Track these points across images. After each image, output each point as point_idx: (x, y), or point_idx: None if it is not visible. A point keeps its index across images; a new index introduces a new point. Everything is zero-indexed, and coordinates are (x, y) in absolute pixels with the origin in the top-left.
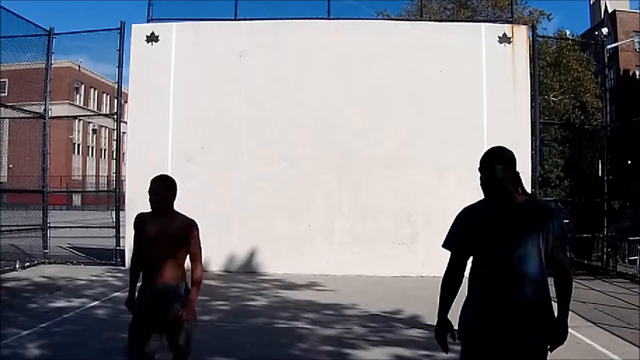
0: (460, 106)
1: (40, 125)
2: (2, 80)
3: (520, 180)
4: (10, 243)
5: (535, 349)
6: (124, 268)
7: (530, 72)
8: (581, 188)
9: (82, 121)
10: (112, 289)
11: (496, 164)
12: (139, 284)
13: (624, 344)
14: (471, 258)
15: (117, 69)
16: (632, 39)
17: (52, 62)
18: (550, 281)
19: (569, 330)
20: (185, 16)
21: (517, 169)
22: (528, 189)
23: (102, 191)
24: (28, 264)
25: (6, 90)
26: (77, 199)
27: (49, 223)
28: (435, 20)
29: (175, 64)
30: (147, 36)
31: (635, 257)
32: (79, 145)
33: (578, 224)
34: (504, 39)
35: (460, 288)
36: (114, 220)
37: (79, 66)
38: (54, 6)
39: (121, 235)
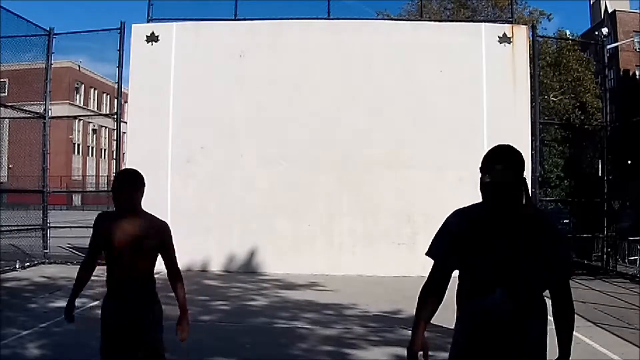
0: (460, 106)
1: (40, 125)
2: (2, 80)
3: (528, 187)
4: (10, 243)
5: None
6: None
7: (530, 72)
8: (581, 188)
9: (82, 121)
10: None
11: (510, 165)
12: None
13: (624, 344)
14: (457, 272)
15: (117, 69)
16: (632, 39)
17: (52, 62)
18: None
19: None
20: (185, 16)
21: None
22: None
23: (102, 191)
24: (28, 264)
25: (6, 90)
26: (77, 199)
27: (49, 223)
28: (435, 20)
29: (175, 64)
30: (147, 36)
31: (635, 257)
32: (79, 145)
33: (578, 224)
34: (504, 39)
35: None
36: None
37: (79, 66)
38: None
39: None
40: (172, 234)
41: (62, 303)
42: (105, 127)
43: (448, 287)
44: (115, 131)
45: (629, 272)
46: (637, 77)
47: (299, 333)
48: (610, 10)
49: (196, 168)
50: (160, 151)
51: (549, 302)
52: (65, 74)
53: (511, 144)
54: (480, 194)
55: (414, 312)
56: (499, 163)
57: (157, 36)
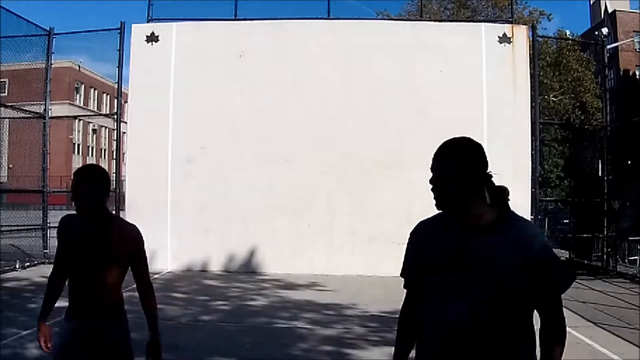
0: (460, 106)
1: (40, 125)
2: (2, 80)
3: (494, 186)
4: (10, 243)
5: None
6: None
7: (530, 72)
8: (581, 188)
9: (82, 121)
10: None
11: (448, 156)
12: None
13: (624, 344)
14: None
15: (117, 69)
16: (632, 39)
17: (52, 62)
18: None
19: (569, 330)
20: (185, 16)
21: (495, 170)
22: (527, 189)
23: None
24: (28, 264)
25: (6, 90)
26: None
27: (49, 223)
28: (435, 20)
29: (175, 64)
30: (147, 36)
31: (635, 257)
32: (79, 145)
33: (578, 224)
34: (504, 39)
35: None
36: None
37: (79, 66)
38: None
39: None
40: (144, 240)
41: (62, 303)
42: (105, 127)
43: None
44: (115, 131)
45: (629, 272)
46: (637, 77)
47: (299, 333)
48: (610, 10)
49: (196, 168)
50: (160, 151)
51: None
52: (65, 74)
53: (469, 137)
54: None
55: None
56: (436, 156)
57: (157, 36)
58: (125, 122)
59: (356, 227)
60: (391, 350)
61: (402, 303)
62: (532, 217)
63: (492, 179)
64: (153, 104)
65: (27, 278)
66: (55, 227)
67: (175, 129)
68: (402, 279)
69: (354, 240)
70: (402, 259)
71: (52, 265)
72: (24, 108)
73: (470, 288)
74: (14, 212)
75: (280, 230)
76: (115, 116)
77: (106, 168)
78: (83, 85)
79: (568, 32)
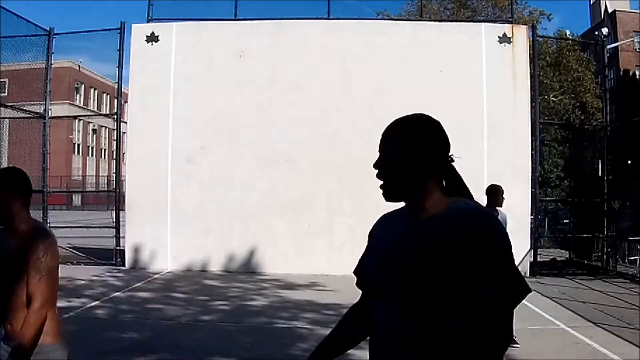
0: (460, 106)
1: (40, 125)
2: (2, 80)
3: (455, 173)
4: None
5: None
6: (124, 268)
7: (530, 72)
8: (581, 188)
9: (82, 121)
10: (112, 289)
11: (387, 139)
12: None
13: (624, 344)
14: None
15: (117, 69)
16: (632, 39)
17: (52, 62)
18: None
19: (569, 330)
20: (185, 16)
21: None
22: (528, 189)
23: (102, 191)
24: None
25: (6, 90)
26: (77, 199)
27: (49, 223)
28: (435, 20)
29: (175, 64)
30: (147, 36)
31: (635, 257)
32: (79, 145)
33: (578, 224)
34: (504, 39)
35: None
36: (114, 220)
37: (79, 66)
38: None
39: (121, 235)
40: (45, 249)
41: (62, 303)
42: (105, 127)
43: None
44: (115, 131)
45: (629, 272)
46: (637, 77)
47: (299, 333)
48: (610, 10)
49: (196, 168)
50: (160, 151)
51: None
52: (65, 74)
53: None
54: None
55: None
56: (387, 136)
57: (157, 36)
58: (125, 122)
59: (356, 227)
60: None
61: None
62: (532, 217)
63: (454, 163)
64: (153, 104)
65: None
66: (55, 227)
67: (175, 129)
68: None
69: (354, 240)
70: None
71: None
72: (24, 108)
73: (410, 291)
74: None
75: (280, 230)
76: (115, 116)
77: (106, 168)
78: (83, 85)
79: (568, 32)
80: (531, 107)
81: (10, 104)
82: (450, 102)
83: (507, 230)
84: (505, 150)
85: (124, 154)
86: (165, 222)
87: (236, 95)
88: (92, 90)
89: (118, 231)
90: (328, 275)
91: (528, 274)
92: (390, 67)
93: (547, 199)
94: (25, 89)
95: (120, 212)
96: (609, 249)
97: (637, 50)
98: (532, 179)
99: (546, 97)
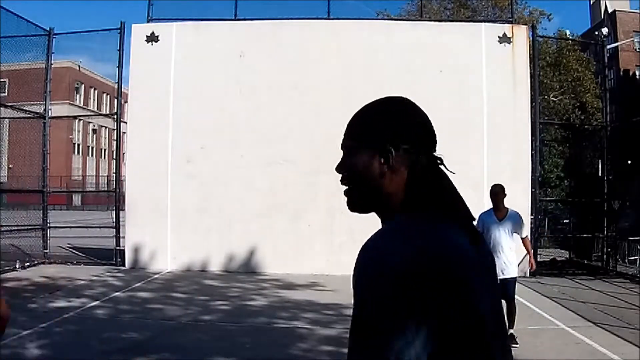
0: (460, 106)
1: (40, 125)
2: (2, 80)
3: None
4: (10, 243)
5: None
6: (124, 268)
7: (530, 72)
8: (581, 188)
9: (82, 121)
10: (112, 289)
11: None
12: None
13: (624, 344)
14: None
15: (117, 69)
16: (632, 39)
17: (52, 62)
18: None
19: (569, 330)
20: (185, 16)
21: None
22: (527, 189)
23: (102, 191)
24: (28, 264)
25: (6, 90)
26: (77, 199)
27: (49, 223)
28: (435, 20)
29: (175, 64)
30: (147, 36)
31: (635, 257)
32: (79, 145)
33: (578, 224)
34: (504, 39)
35: None
36: (114, 220)
37: (79, 66)
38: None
39: (121, 235)
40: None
41: (62, 303)
42: (105, 127)
43: None
44: (115, 131)
45: (629, 272)
46: (637, 77)
47: (299, 333)
48: (610, 10)
49: (196, 168)
50: (160, 151)
51: None
52: (65, 74)
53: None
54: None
55: None
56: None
57: (157, 36)
58: (125, 122)
59: (356, 227)
60: None
61: None
62: (532, 217)
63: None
64: (153, 104)
65: (27, 278)
66: (55, 227)
67: (175, 129)
68: None
69: (354, 240)
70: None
71: (52, 265)
72: (24, 108)
73: None
74: (14, 212)
75: (280, 230)
76: (115, 116)
77: (106, 168)
78: (83, 85)
79: (568, 32)
80: (531, 107)
81: (10, 104)
82: (450, 102)
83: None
84: (505, 151)
85: (124, 154)
86: (165, 222)
87: (236, 95)
88: (92, 90)
89: (118, 231)
90: (328, 275)
91: (528, 274)
92: (390, 67)
93: (547, 199)
94: (25, 89)
95: (120, 212)
96: (609, 249)
97: (637, 50)
98: (532, 179)
99: (546, 97)
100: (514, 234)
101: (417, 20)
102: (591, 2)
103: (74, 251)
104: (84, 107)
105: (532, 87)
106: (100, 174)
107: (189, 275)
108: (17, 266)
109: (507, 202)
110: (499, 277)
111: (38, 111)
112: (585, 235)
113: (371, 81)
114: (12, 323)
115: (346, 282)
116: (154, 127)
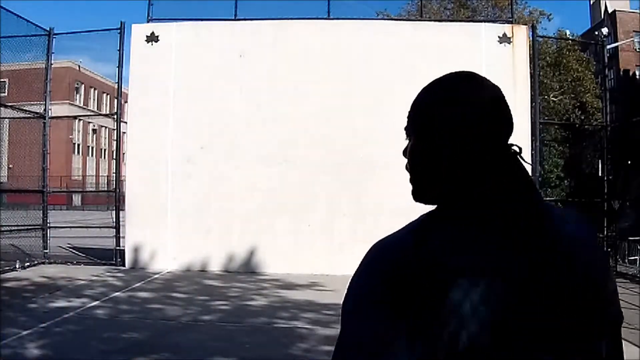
0: None
1: (40, 125)
2: (2, 80)
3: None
4: (10, 243)
5: None
6: (124, 268)
7: (530, 72)
8: (581, 188)
9: (82, 121)
10: (112, 289)
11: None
12: None
13: (624, 344)
14: None
15: (117, 69)
16: (632, 39)
17: (52, 62)
18: None
19: None
20: (185, 16)
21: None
22: None
23: (102, 191)
24: (28, 264)
25: (6, 90)
26: (77, 199)
27: (49, 223)
28: (435, 20)
29: (175, 64)
30: (147, 36)
31: (635, 257)
32: (79, 145)
33: None
34: (504, 39)
35: None
36: (114, 220)
37: (79, 66)
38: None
39: (121, 235)
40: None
41: (62, 303)
42: (105, 127)
43: None
44: (115, 131)
45: (629, 272)
46: (637, 77)
47: (299, 333)
48: (610, 10)
49: (196, 168)
50: (160, 151)
51: None
52: (65, 74)
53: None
54: None
55: None
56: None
57: (157, 36)
58: (125, 122)
59: (356, 227)
60: None
61: None
62: None
63: None
64: (153, 104)
65: (27, 278)
66: (55, 227)
67: (175, 129)
68: None
69: (354, 240)
70: None
71: (52, 265)
72: (24, 108)
73: None
74: (14, 212)
75: (280, 230)
76: (115, 116)
77: (106, 168)
78: (83, 85)
79: (568, 32)
80: (531, 107)
81: (10, 104)
82: None
83: None
84: None
85: (124, 154)
86: (165, 222)
87: (236, 95)
88: (92, 90)
89: (118, 231)
90: (328, 275)
91: None
92: (390, 67)
93: (547, 199)
94: (25, 89)
95: (120, 212)
96: (609, 249)
97: (637, 50)
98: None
99: (546, 97)
100: None
101: (417, 20)
102: (591, 2)
103: (74, 251)
104: (84, 107)
105: (532, 87)
106: (100, 174)
107: (189, 275)
108: (17, 266)
109: None
110: None
111: (38, 111)
112: None
113: (371, 81)
114: (13, 323)
115: (346, 283)
116: (153, 127)
